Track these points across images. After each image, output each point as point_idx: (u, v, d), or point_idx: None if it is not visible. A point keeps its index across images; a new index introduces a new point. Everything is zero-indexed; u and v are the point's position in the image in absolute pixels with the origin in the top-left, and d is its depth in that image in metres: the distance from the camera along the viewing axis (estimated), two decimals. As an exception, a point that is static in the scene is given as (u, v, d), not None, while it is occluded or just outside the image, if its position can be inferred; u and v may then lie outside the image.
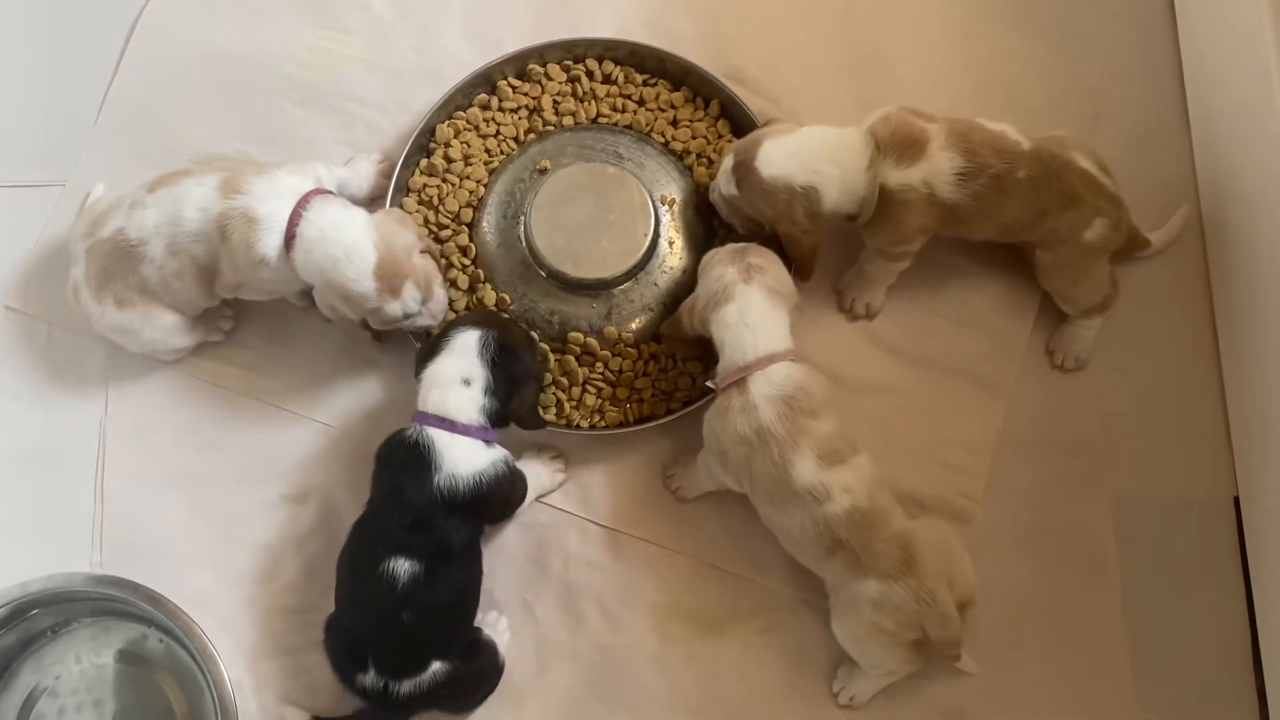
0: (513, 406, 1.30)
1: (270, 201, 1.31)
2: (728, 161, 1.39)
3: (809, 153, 1.34)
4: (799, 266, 1.40)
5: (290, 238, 1.31)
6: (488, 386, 1.28)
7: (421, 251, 1.37)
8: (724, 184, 1.39)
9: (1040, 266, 1.44)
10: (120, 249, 1.34)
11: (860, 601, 1.24)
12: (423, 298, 1.35)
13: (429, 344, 1.33)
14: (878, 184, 1.34)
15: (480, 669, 1.31)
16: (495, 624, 1.36)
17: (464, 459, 1.25)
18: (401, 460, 1.26)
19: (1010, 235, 1.42)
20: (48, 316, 1.51)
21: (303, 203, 1.32)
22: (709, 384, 1.31)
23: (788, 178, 1.33)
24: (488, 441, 1.28)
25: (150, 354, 1.44)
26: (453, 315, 1.46)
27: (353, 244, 1.30)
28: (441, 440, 1.25)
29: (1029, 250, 1.45)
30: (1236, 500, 1.43)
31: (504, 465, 1.29)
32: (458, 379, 1.27)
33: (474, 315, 1.38)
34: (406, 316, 1.35)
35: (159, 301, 1.38)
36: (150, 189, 1.36)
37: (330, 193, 1.37)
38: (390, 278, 1.31)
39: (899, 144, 1.34)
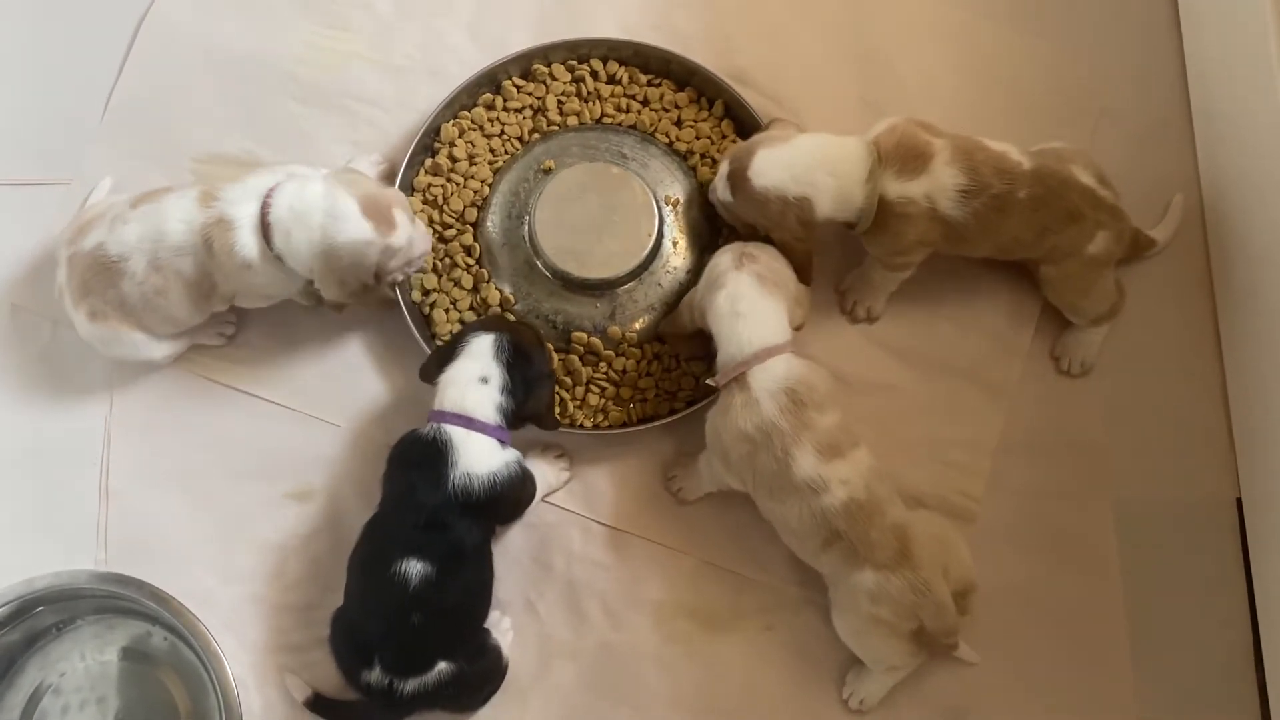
0: (529, 407, 1.31)
1: (242, 204, 1.31)
2: (724, 167, 1.39)
3: (803, 163, 1.34)
4: (797, 272, 1.40)
5: (266, 230, 1.30)
6: (504, 386, 1.28)
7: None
8: (720, 190, 1.40)
9: (1045, 281, 1.44)
10: (100, 264, 1.34)
11: (857, 593, 1.24)
12: (410, 220, 1.35)
13: (443, 349, 1.33)
14: (876, 195, 1.33)
15: (484, 670, 1.31)
16: (498, 624, 1.36)
17: (480, 458, 1.26)
18: (417, 458, 1.26)
19: (1010, 254, 1.42)
20: (52, 314, 1.51)
21: (269, 195, 1.32)
22: (709, 382, 1.31)
23: (780, 188, 1.33)
24: (503, 442, 1.29)
25: (128, 362, 1.44)
26: (456, 315, 1.47)
27: (327, 204, 1.29)
28: (459, 436, 1.26)
29: (1033, 266, 1.45)
30: (1239, 501, 1.43)
31: (517, 466, 1.30)
32: (475, 378, 1.28)
33: (484, 321, 1.39)
34: (409, 242, 1.34)
35: (132, 320, 1.37)
36: (133, 204, 1.36)
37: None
38: (378, 211, 1.31)
39: (902, 156, 1.33)
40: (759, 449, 1.25)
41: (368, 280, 1.34)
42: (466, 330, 1.33)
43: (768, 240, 1.40)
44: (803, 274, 1.39)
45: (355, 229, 1.29)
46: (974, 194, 1.33)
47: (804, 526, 1.25)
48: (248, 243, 1.31)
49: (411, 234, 1.34)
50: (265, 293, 1.38)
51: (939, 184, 1.33)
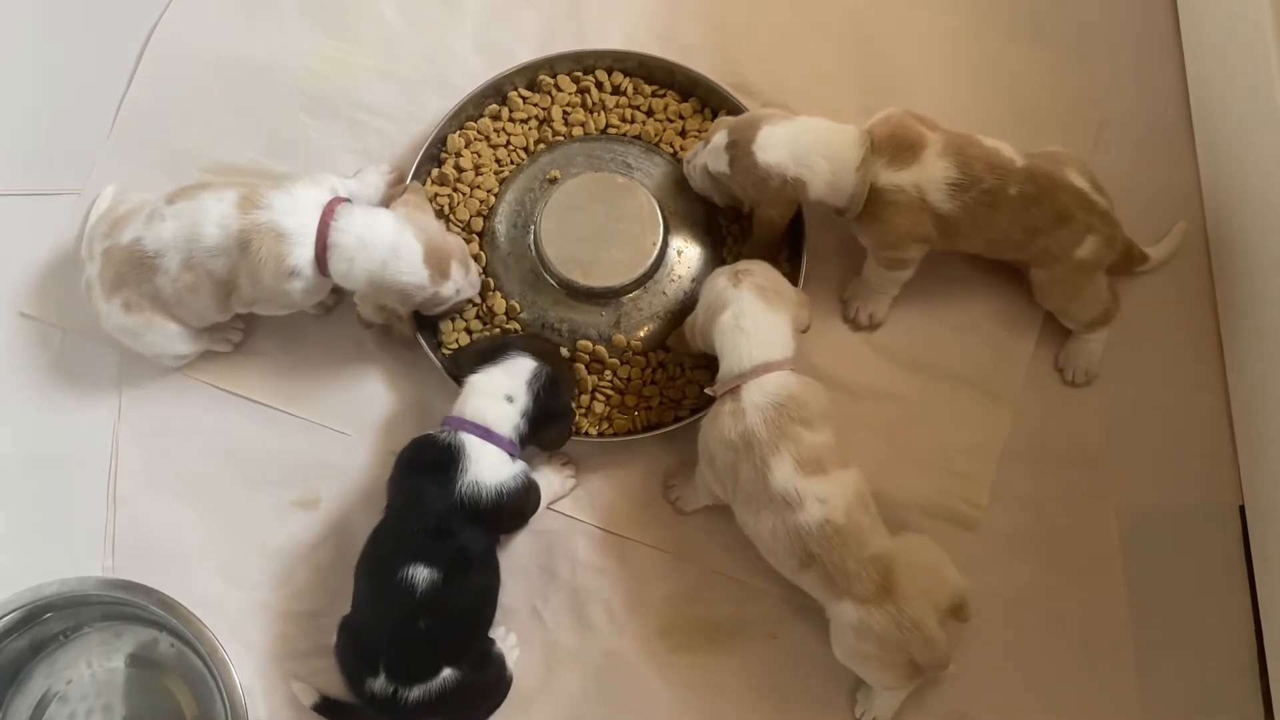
0: (541, 436, 1.33)
1: (294, 216, 1.33)
2: (719, 138, 1.39)
3: (804, 144, 1.35)
4: (764, 249, 1.41)
5: (323, 250, 1.33)
6: (526, 411, 1.30)
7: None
8: (713, 160, 1.40)
9: (1036, 284, 1.45)
10: (136, 258, 1.36)
11: (843, 626, 1.23)
12: (464, 271, 1.40)
13: (486, 347, 1.35)
14: (867, 183, 1.35)
15: (488, 680, 1.31)
16: (504, 639, 1.36)
17: (491, 468, 1.27)
18: (428, 462, 1.27)
19: (1000, 252, 1.43)
20: (61, 323, 1.52)
21: (328, 213, 1.34)
22: (707, 391, 1.32)
23: (782, 166, 1.35)
24: (513, 455, 1.30)
25: (153, 357, 1.45)
26: (462, 324, 1.48)
27: (395, 241, 1.33)
28: (473, 445, 1.27)
29: (1024, 269, 1.46)
30: (1241, 509, 1.44)
31: (524, 478, 1.30)
32: (502, 394, 1.30)
33: (537, 344, 1.38)
34: (456, 293, 1.40)
35: (166, 312, 1.39)
36: (169, 201, 1.37)
37: (348, 200, 1.39)
38: (438, 262, 1.35)
39: (894, 146, 1.35)
40: (741, 457, 1.24)
41: (404, 313, 1.38)
42: (516, 342, 1.35)
43: (748, 216, 1.42)
44: (769, 251, 1.41)
45: (413, 274, 1.34)
46: (964, 187, 1.34)
47: (778, 543, 1.23)
48: (302, 255, 1.33)
49: (461, 285, 1.40)
50: (291, 301, 1.38)
51: (929, 175, 1.34)
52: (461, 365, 1.35)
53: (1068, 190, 1.38)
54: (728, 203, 1.46)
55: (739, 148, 1.36)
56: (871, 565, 1.21)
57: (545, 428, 1.33)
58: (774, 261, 1.41)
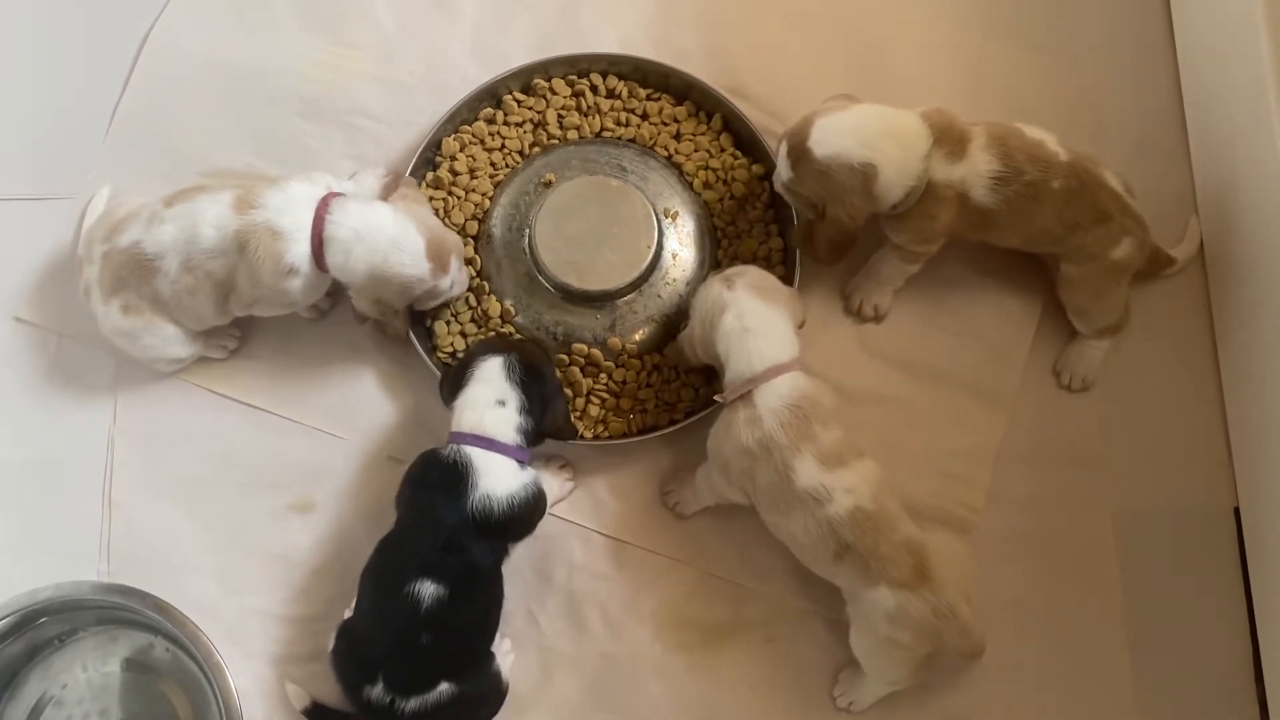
0: (547, 423, 1.32)
1: (289, 213, 1.33)
2: (781, 149, 1.37)
3: (867, 129, 1.32)
4: (836, 249, 1.37)
5: (319, 244, 1.33)
6: (522, 406, 1.29)
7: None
8: (781, 170, 1.37)
9: (1064, 280, 1.44)
10: (136, 261, 1.36)
11: (875, 614, 1.23)
12: (460, 266, 1.41)
13: (453, 373, 1.34)
14: (927, 175, 1.33)
15: (484, 693, 1.31)
16: (499, 646, 1.35)
17: (500, 479, 1.26)
18: (436, 479, 1.27)
19: (1038, 245, 1.42)
20: (57, 328, 1.52)
21: (322, 207, 1.34)
22: (716, 397, 1.31)
23: (845, 155, 1.31)
24: (521, 462, 1.29)
25: (148, 361, 1.45)
26: (458, 327, 1.48)
27: (396, 233, 1.33)
28: (479, 458, 1.26)
29: (1053, 262, 1.45)
30: (1237, 511, 1.44)
31: (535, 487, 1.30)
32: (491, 401, 1.29)
33: (491, 342, 1.39)
34: (450, 287, 1.40)
35: (165, 315, 1.39)
36: (167, 204, 1.37)
37: (342, 194, 1.38)
38: (439, 256, 1.35)
39: (951, 138, 1.33)
40: (758, 463, 1.25)
41: (400, 307, 1.38)
42: (474, 353, 1.33)
43: (819, 217, 1.39)
44: (836, 256, 1.38)
45: (416, 267, 1.33)
46: (1007, 180, 1.33)
47: (811, 539, 1.24)
48: (299, 252, 1.33)
49: (456, 279, 1.40)
50: (291, 300, 1.38)
51: (974, 169, 1.33)
52: (446, 400, 1.34)
53: (1107, 191, 1.37)
54: (813, 212, 1.41)
55: (797, 149, 1.33)
56: (904, 549, 1.22)
57: (546, 414, 1.31)
58: (844, 256, 1.39)
